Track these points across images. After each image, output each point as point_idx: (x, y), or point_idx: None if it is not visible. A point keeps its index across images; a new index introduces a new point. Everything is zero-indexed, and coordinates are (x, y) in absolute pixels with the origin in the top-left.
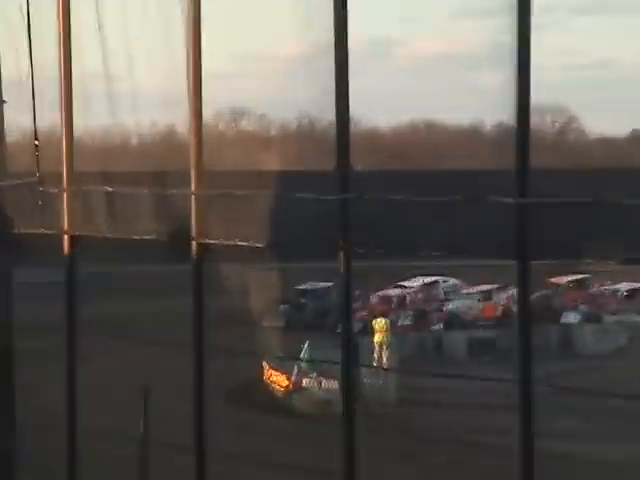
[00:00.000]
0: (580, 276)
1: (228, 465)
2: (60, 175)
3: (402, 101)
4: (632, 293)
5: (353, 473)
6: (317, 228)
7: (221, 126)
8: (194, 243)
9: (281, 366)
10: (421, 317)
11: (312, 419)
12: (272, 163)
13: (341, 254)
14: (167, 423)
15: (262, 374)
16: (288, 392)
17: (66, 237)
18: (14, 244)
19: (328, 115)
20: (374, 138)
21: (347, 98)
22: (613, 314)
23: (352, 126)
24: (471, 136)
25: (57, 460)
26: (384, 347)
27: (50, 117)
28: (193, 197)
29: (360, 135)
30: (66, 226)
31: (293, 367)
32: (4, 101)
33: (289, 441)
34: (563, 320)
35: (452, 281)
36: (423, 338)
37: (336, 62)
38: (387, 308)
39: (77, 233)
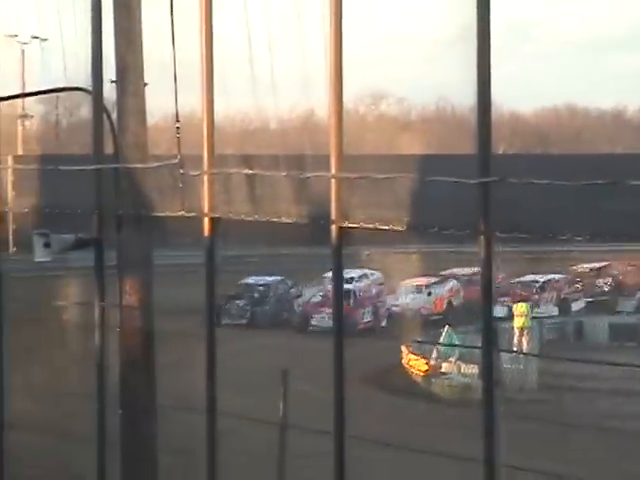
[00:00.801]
0: None
1: (367, 450)
2: (201, 158)
3: (543, 85)
4: None
5: (493, 459)
6: (457, 212)
7: (361, 109)
8: (334, 226)
9: (420, 350)
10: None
11: (451, 403)
12: (412, 146)
13: (482, 238)
14: (306, 407)
15: (401, 358)
16: (427, 376)
17: (206, 219)
18: (154, 226)
19: (469, 99)
20: (515, 122)
21: (489, 81)
22: None
23: (493, 110)
24: (613, 120)
25: (197, 443)
26: (524, 332)
27: (191, 101)
28: (333, 180)
29: (501, 119)
30: (206, 208)
31: (432, 351)
32: (146, 84)
33: (428, 425)
34: None
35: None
36: (563, 323)
37: (478, 46)
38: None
39: (217, 215)
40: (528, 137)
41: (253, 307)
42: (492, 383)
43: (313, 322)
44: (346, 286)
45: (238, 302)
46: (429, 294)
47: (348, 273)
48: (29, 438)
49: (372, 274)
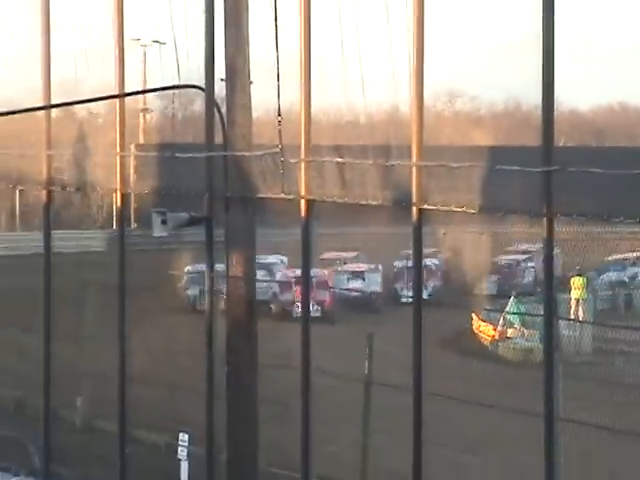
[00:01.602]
0: None
1: (439, 404)
2: (298, 147)
3: (599, 86)
4: None
5: (553, 414)
6: (523, 197)
7: (439, 106)
8: (414, 208)
9: (489, 317)
10: None
11: (515, 365)
12: (483, 139)
13: (544, 220)
14: (389, 367)
15: (472, 325)
16: (494, 341)
17: (303, 201)
18: (258, 207)
19: (535, 98)
20: (574, 118)
21: (553, 83)
22: None
23: (555, 107)
24: None
25: (292, 396)
26: (580, 302)
27: (291, 97)
28: (414, 168)
29: (561, 115)
30: (303, 192)
31: (499, 319)
32: (252, 82)
33: (494, 384)
34: None
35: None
36: (615, 295)
37: (543, 52)
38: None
39: (312, 198)
40: (585, 132)
41: None
42: (552, 347)
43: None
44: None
45: None
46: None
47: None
48: (147, 391)
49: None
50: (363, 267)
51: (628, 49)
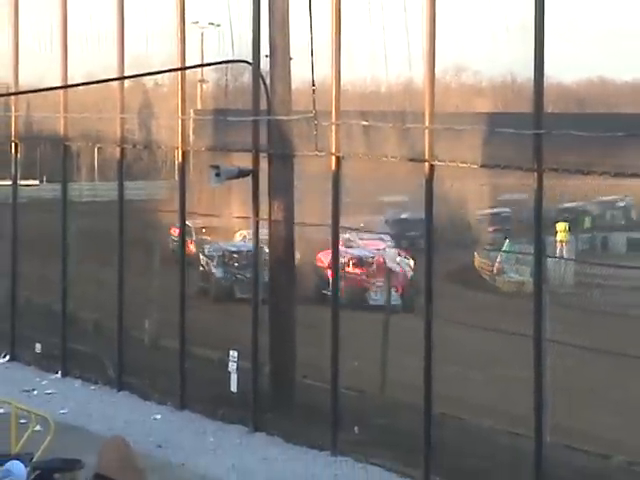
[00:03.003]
0: None
1: (451, 327)
2: (330, 112)
3: (582, 61)
4: None
5: (541, 335)
6: (517, 154)
7: (447, 78)
8: (426, 164)
9: (488, 256)
10: None
11: (510, 295)
12: (484, 106)
13: (535, 175)
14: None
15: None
16: (492, 275)
17: (333, 158)
18: (295, 162)
19: (527, 72)
20: (560, 89)
21: (543, 59)
22: None
23: (544, 80)
24: (632, 88)
25: (324, 323)
26: (564, 244)
27: (324, 70)
28: (426, 130)
29: (550, 87)
30: (333, 149)
31: (497, 256)
32: (291, 58)
33: (492, 311)
34: None
35: None
36: (593, 237)
37: (535, 31)
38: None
39: (341, 155)
40: (570, 101)
41: None
42: (541, 280)
43: None
44: None
45: None
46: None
47: None
48: (203, 315)
49: None
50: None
51: (608, 30)
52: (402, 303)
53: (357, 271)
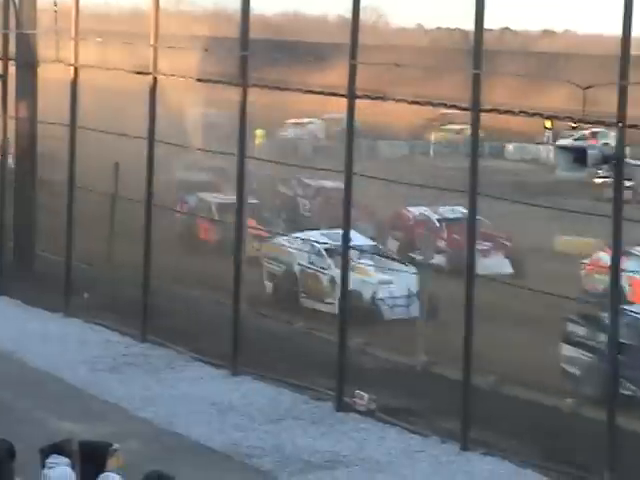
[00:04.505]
0: None
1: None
2: (70, 29)
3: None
4: None
5: None
6: (226, 72)
7: (168, 8)
8: (151, 76)
9: None
10: None
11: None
12: (200, 30)
13: (241, 89)
14: None
15: None
16: None
17: (72, 68)
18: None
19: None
20: (263, 19)
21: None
22: None
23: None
24: (319, 21)
25: None
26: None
27: None
28: (152, 48)
29: (254, 17)
30: (73, 61)
31: None
32: None
33: None
34: None
35: None
36: None
37: None
38: None
39: (79, 65)
40: (269, 31)
41: None
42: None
43: None
44: None
45: None
46: None
47: None
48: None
49: None
50: None
51: None
52: None
53: None
